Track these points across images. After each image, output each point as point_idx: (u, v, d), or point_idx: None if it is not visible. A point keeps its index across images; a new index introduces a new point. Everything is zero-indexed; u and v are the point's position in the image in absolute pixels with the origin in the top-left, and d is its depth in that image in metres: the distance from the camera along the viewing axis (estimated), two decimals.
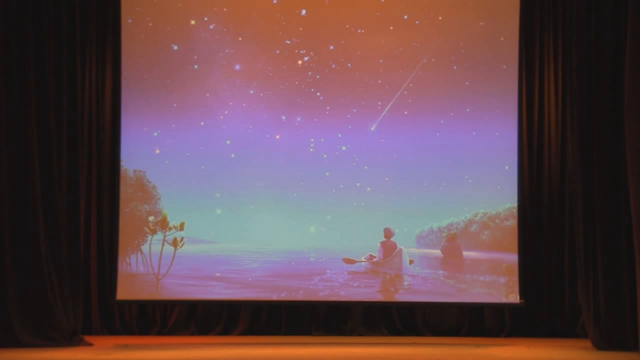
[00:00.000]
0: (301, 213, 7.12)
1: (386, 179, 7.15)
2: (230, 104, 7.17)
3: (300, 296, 7.02)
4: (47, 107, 6.36)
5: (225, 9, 7.20)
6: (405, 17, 7.19)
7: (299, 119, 7.18)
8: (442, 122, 7.14)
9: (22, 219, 6.21)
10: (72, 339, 6.29)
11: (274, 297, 7.06)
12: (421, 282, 7.10)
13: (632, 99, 5.80)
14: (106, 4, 7.35)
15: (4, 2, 6.22)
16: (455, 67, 7.17)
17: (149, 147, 7.13)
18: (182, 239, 7.09)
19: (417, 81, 7.15)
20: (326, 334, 7.27)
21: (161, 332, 7.32)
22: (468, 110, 7.14)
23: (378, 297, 7.11)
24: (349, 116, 7.16)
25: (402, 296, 7.10)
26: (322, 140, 7.13)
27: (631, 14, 5.82)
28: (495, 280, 7.02)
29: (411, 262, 7.11)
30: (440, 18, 7.19)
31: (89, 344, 6.36)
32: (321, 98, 7.17)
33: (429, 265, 7.12)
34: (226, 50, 7.18)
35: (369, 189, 7.12)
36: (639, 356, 5.76)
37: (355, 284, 7.08)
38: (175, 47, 7.18)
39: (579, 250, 6.38)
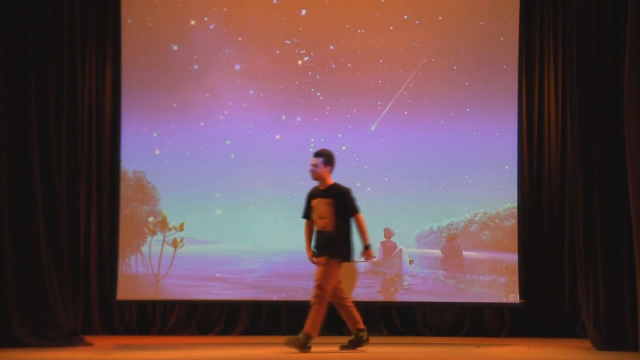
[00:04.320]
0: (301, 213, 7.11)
1: (386, 179, 7.14)
2: (230, 104, 7.17)
3: (300, 296, 7.01)
4: (47, 107, 6.35)
5: (225, 9, 7.19)
6: (405, 17, 7.19)
7: (299, 119, 7.17)
8: (442, 122, 7.14)
9: (22, 220, 6.21)
10: (72, 339, 6.28)
11: (274, 297, 7.06)
12: (421, 282, 7.10)
13: (632, 99, 5.79)
14: (106, 4, 7.36)
15: (5, 3, 6.21)
16: (455, 67, 7.17)
17: (149, 147, 7.14)
18: (182, 239, 7.09)
19: (417, 81, 7.14)
20: (326, 334, 7.26)
21: (161, 332, 7.32)
22: (468, 110, 7.14)
23: (378, 297, 7.10)
24: (349, 116, 7.16)
25: (402, 296, 7.10)
26: (322, 140, 7.12)
27: (630, 14, 5.81)
28: (495, 280, 7.01)
29: (411, 262, 7.10)
30: (440, 18, 7.19)
31: (89, 344, 6.36)
32: (321, 98, 7.17)
33: (429, 265, 7.11)
34: (226, 50, 7.18)
35: (369, 189, 7.11)
36: (639, 356, 5.75)
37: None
38: (175, 47, 7.18)
39: (579, 250, 6.37)
